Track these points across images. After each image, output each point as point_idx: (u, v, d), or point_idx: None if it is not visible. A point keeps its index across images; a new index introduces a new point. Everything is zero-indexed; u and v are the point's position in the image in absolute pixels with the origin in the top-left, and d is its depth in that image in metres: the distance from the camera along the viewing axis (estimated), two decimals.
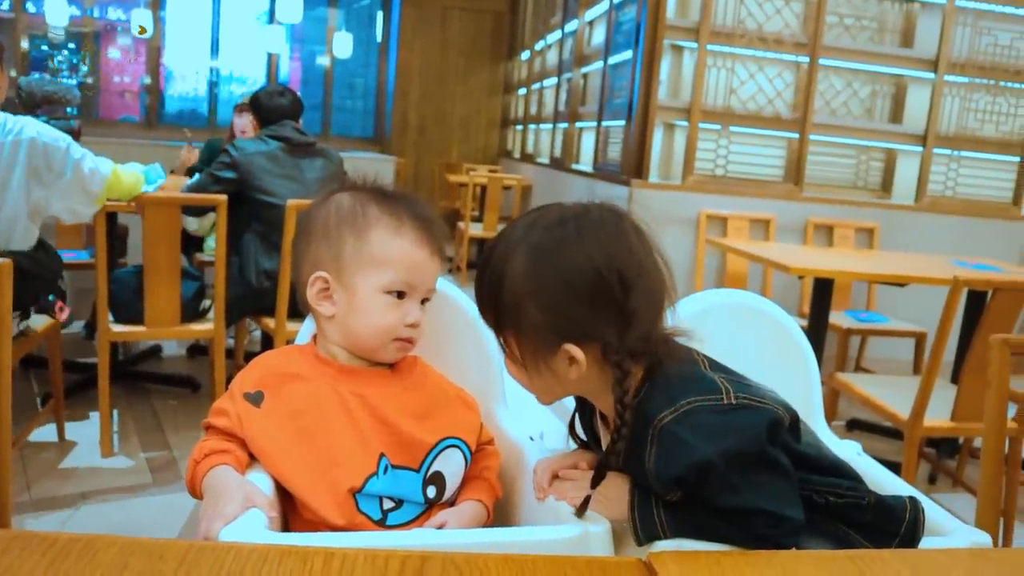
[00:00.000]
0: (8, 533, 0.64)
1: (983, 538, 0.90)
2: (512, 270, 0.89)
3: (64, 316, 2.62)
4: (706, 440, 0.81)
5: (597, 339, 0.88)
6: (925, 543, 0.89)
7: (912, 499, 0.92)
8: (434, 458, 1.03)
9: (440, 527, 1.00)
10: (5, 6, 7.23)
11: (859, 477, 0.96)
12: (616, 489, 0.89)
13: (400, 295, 1.02)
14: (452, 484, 1.05)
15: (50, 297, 2.81)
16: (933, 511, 0.96)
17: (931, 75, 4.42)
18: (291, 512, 0.99)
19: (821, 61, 4.30)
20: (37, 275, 2.39)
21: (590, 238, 0.88)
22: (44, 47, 7.61)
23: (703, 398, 0.84)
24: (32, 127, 2.31)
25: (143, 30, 6.79)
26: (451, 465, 1.04)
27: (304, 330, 1.17)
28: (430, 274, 1.05)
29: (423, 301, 1.06)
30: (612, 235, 0.89)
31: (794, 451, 0.88)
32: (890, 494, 0.93)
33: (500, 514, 1.10)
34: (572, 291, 0.87)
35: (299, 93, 3.15)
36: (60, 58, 7.77)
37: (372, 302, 1.02)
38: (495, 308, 0.91)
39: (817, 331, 2.78)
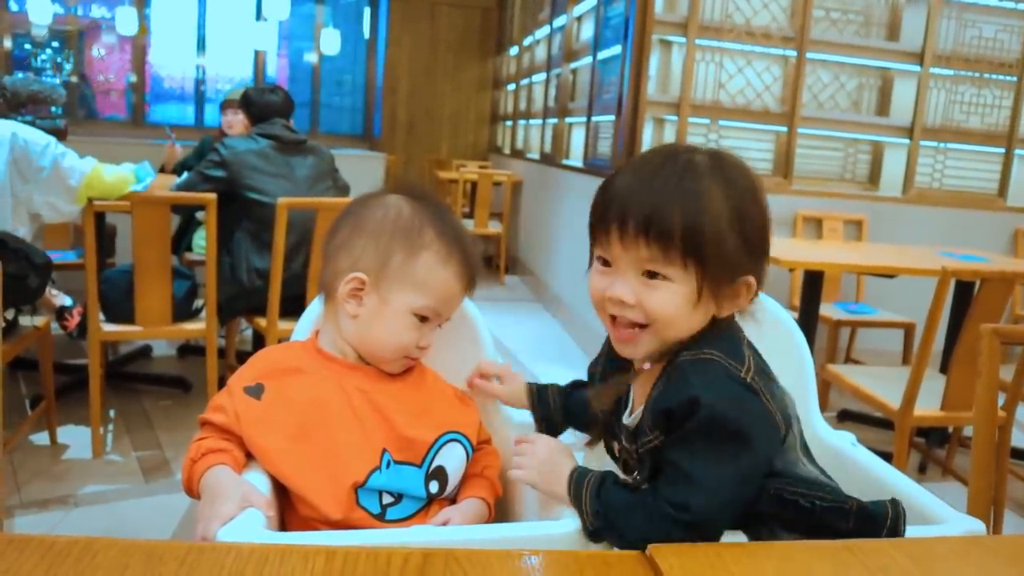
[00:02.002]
0: (4, 536, 0.63)
1: (978, 526, 0.91)
2: (713, 199, 0.86)
3: (74, 323, 2.61)
4: (707, 388, 0.83)
5: (761, 271, 0.90)
6: (921, 531, 0.89)
7: (894, 502, 0.91)
8: (435, 453, 1.03)
9: (444, 524, 1.00)
10: None
11: (839, 488, 0.95)
12: (560, 467, 0.91)
13: (424, 319, 1.04)
14: (454, 479, 1.05)
15: (67, 302, 2.80)
16: (928, 500, 0.97)
17: (917, 68, 4.44)
18: (288, 510, 0.99)
19: (808, 55, 4.31)
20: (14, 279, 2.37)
21: (741, 167, 0.91)
22: (27, 46, 7.55)
23: (726, 360, 0.86)
24: (9, 127, 2.33)
25: (144, 29, 6.77)
26: (453, 459, 1.05)
27: (302, 326, 1.16)
28: (457, 306, 1.09)
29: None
30: (754, 176, 0.92)
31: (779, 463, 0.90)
32: (871, 500, 0.94)
33: (499, 511, 1.10)
34: (762, 214, 0.89)
35: (287, 90, 3.14)
36: (44, 56, 7.71)
37: (399, 319, 1.03)
38: (694, 248, 0.86)
39: (808, 323, 2.80)
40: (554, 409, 1.12)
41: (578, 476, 0.89)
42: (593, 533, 0.85)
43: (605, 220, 0.88)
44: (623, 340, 0.90)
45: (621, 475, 0.92)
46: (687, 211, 0.85)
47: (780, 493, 0.87)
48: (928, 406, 2.29)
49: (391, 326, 1.02)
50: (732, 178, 0.88)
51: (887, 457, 1.09)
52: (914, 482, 1.02)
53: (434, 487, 1.02)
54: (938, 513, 0.94)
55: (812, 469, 0.94)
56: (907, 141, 4.51)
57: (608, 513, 0.84)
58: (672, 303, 0.87)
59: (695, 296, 0.87)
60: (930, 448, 3.05)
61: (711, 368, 0.85)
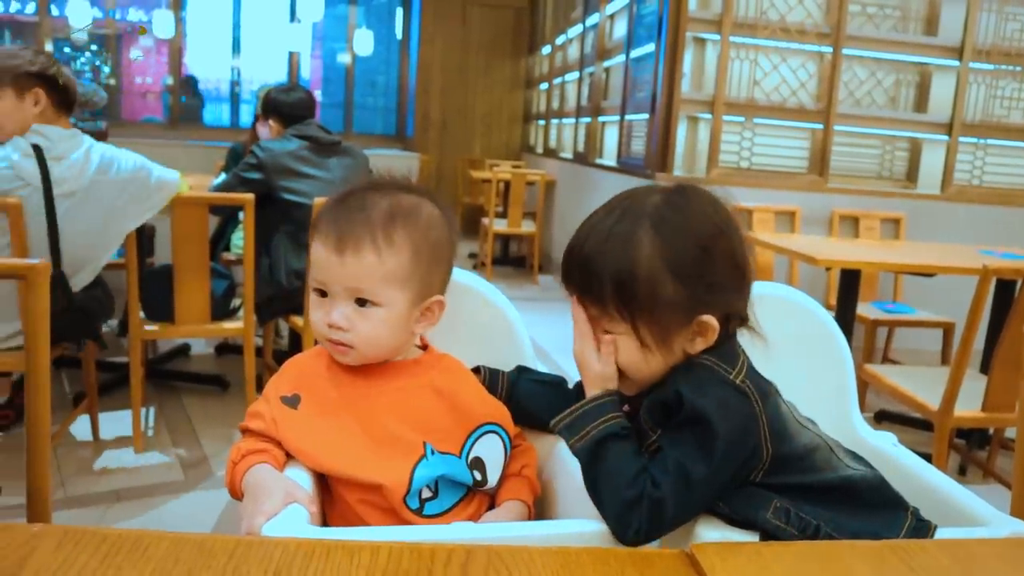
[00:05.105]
0: (60, 528, 0.65)
1: (1022, 527, 0.90)
2: (641, 250, 0.88)
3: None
4: (691, 386, 0.87)
5: (723, 307, 0.90)
6: (964, 533, 0.89)
7: (914, 514, 0.93)
8: (473, 443, 1.04)
9: None
10: (30, 9, 7.32)
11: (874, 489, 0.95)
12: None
13: (322, 293, 1.00)
14: (494, 469, 1.05)
15: None
16: (971, 501, 0.96)
17: (956, 63, 4.38)
18: (329, 507, 1.01)
19: (844, 51, 4.27)
20: (96, 313, 2.47)
21: (704, 202, 0.91)
22: (67, 49, 7.69)
23: (715, 363, 0.89)
24: (113, 155, 2.34)
25: (143, 30, 6.88)
26: (491, 450, 1.05)
27: None
28: (340, 275, 0.97)
29: (364, 303, 0.99)
30: (715, 200, 0.92)
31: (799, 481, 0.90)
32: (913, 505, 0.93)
33: (539, 508, 1.10)
34: (706, 253, 0.88)
35: (320, 92, 3.18)
36: (83, 60, 7.85)
37: (311, 297, 1.02)
38: (627, 298, 0.88)
39: (844, 323, 2.77)
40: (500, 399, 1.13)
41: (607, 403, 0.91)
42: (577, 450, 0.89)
43: (565, 285, 0.94)
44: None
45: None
46: (612, 269, 0.88)
47: (787, 510, 0.87)
48: (968, 407, 2.25)
49: (310, 306, 1.03)
50: (670, 223, 0.89)
51: (926, 459, 1.08)
52: (957, 483, 1.01)
53: (476, 476, 1.03)
54: (982, 515, 0.93)
55: (846, 471, 0.94)
56: (946, 137, 4.44)
57: (604, 455, 0.87)
58: (629, 356, 0.91)
59: (642, 345, 0.90)
60: (970, 450, 3.00)
61: (699, 370, 0.89)
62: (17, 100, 2.21)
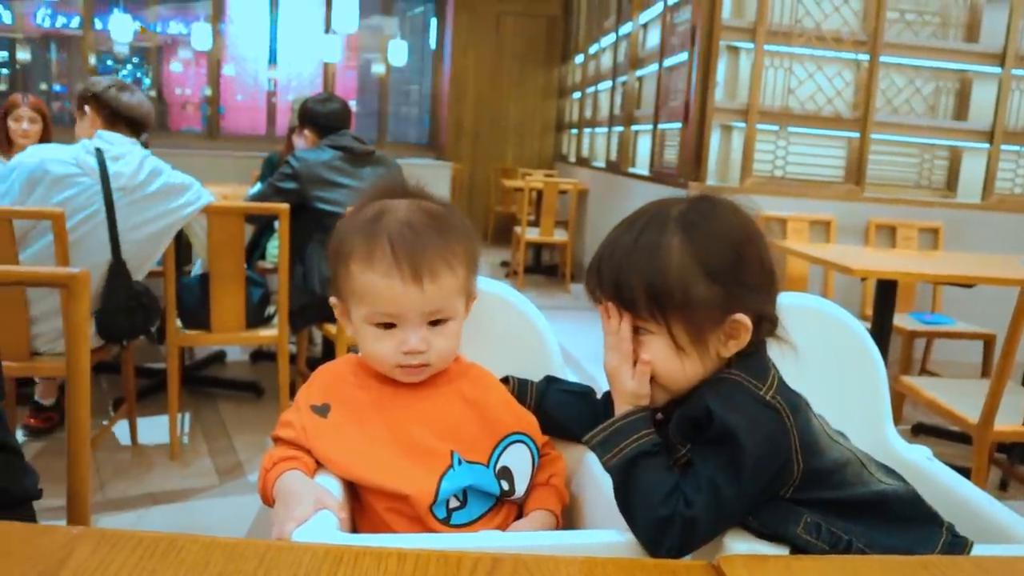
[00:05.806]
0: (97, 531, 0.66)
1: None
2: (672, 255, 0.89)
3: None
4: (722, 403, 0.86)
5: (752, 309, 0.90)
6: (1002, 550, 0.87)
7: (949, 529, 0.91)
8: (501, 453, 1.04)
9: None
10: (74, 24, 7.50)
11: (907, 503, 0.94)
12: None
13: (387, 326, 1.00)
14: (521, 479, 1.05)
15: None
16: (1010, 518, 0.94)
17: (998, 70, 4.30)
18: (358, 514, 1.01)
19: (882, 58, 4.22)
20: (149, 308, 2.59)
21: (728, 209, 0.93)
22: (109, 62, 7.85)
23: (745, 378, 0.88)
24: (162, 167, 2.58)
25: (142, 30, 7.03)
26: (519, 460, 1.05)
27: None
28: (420, 302, 0.97)
29: (436, 323, 1.00)
30: (738, 208, 0.94)
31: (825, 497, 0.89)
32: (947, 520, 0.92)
33: (566, 518, 1.10)
34: (737, 256, 0.89)
35: (355, 101, 3.21)
36: (124, 72, 8.01)
37: (363, 332, 1.01)
38: (662, 302, 0.89)
39: (881, 334, 2.73)
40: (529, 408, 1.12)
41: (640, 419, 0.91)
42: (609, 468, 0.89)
43: (592, 293, 0.95)
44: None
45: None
46: (645, 272, 0.89)
47: (818, 525, 0.86)
48: (1009, 421, 2.21)
49: (364, 341, 1.02)
50: (698, 226, 0.90)
51: (965, 473, 1.07)
52: (994, 499, 0.99)
53: (503, 486, 1.04)
54: (1021, 532, 0.92)
55: (878, 486, 0.92)
56: (987, 146, 4.37)
57: (637, 474, 0.86)
58: (663, 361, 0.91)
59: (676, 346, 0.90)
60: (1012, 465, 2.94)
61: (728, 385, 0.88)
62: (80, 118, 2.59)
